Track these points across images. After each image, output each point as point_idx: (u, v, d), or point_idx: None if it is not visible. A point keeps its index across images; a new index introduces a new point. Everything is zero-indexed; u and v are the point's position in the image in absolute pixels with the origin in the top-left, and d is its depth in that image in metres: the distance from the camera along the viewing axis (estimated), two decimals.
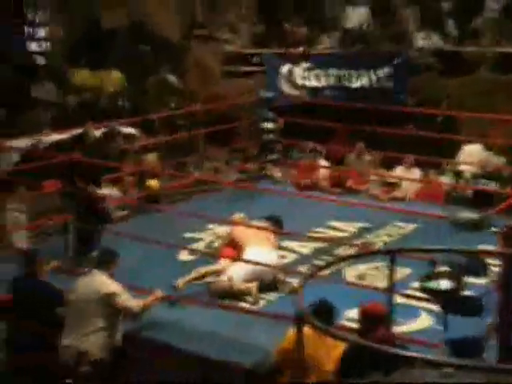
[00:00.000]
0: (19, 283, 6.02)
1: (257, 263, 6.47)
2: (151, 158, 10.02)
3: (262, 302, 6.37)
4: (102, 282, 5.68)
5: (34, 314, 5.80)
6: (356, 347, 3.91)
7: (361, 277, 6.79)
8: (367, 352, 3.47)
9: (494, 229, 5.97)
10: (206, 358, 5.43)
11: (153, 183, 9.26)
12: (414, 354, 3.15)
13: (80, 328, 5.55)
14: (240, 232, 7.03)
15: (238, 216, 7.40)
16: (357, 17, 13.10)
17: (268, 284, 6.60)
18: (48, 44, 13.58)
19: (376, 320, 4.48)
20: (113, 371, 5.60)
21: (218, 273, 6.69)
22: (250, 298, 6.37)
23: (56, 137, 9.85)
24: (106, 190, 8.36)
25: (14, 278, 6.08)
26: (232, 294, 6.40)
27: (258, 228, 7.10)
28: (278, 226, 7.31)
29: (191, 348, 5.54)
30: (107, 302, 5.58)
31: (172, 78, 12.69)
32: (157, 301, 5.93)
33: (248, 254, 6.69)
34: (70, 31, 13.75)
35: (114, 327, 5.66)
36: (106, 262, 5.82)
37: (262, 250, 6.75)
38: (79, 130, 9.62)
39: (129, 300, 5.67)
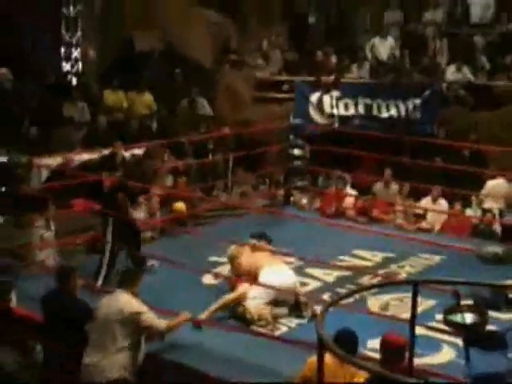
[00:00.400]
0: (53, 299, 6.00)
1: (274, 286, 6.48)
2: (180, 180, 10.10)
3: (283, 328, 6.37)
4: (125, 301, 5.68)
5: (67, 331, 5.82)
6: (378, 378, 3.89)
7: (384, 307, 6.77)
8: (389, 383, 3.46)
9: None
10: (227, 381, 5.43)
11: (180, 206, 9.33)
12: None
13: (103, 347, 5.55)
14: (248, 258, 7.02)
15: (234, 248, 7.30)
16: (384, 48, 13.14)
17: (292, 306, 6.61)
18: (81, 64, 13.84)
19: (397, 351, 4.47)
20: None
21: (240, 299, 6.67)
22: (266, 325, 6.38)
23: (86, 156, 9.96)
24: (134, 211, 8.44)
25: (47, 294, 6.01)
26: (249, 322, 6.42)
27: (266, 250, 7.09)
28: (265, 241, 7.28)
29: (212, 371, 5.55)
30: (131, 320, 5.57)
31: (203, 102, 12.80)
32: (183, 322, 5.94)
33: (264, 274, 6.69)
34: (103, 52, 13.98)
35: (137, 347, 5.66)
36: (130, 280, 5.84)
37: (278, 269, 6.76)
38: (108, 151, 9.75)
39: (154, 319, 5.69)
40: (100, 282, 7.17)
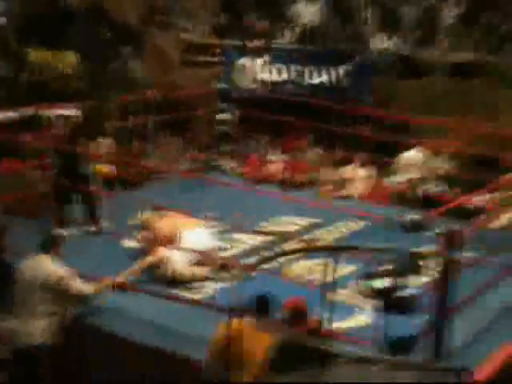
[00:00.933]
0: None
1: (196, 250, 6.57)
2: (107, 142, 9.92)
3: (205, 292, 6.39)
4: (49, 265, 5.62)
5: None
6: (285, 340, 3.93)
7: (307, 272, 6.84)
8: (295, 347, 3.52)
9: (436, 230, 6.09)
10: (149, 346, 5.43)
11: (100, 168, 9.18)
12: (341, 350, 3.19)
13: (26, 311, 5.49)
14: (168, 222, 7.01)
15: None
16: (312, 13, 13.14)
17: (214, 270, 6.65)
18: (2, 19, 13.34)
19: (298, 314, 4.49)
20: (58, 356, 5.54)
21: (159, 262, 6.65)
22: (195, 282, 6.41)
23: (7, 115, 9.69)
24: None
25: None
26: (179, 281, 6.43)
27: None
28: None
29: (135, 336, 5.54)
30: (55, 285, 5.53)
31: (134, 66, 12.57)
32: (106, 287, 5.90)
33: (185, 238, 6.71)
34: (24, 6, 13.50)
35: (61, 312, 5.62)
36: (53, 244, 5.76)
37: (198, 232, 6.81)
38: (30, 111, 9.51)
39: (77, 284, 5.63)
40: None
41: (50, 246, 5.75)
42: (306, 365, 3.67)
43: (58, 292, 5.55)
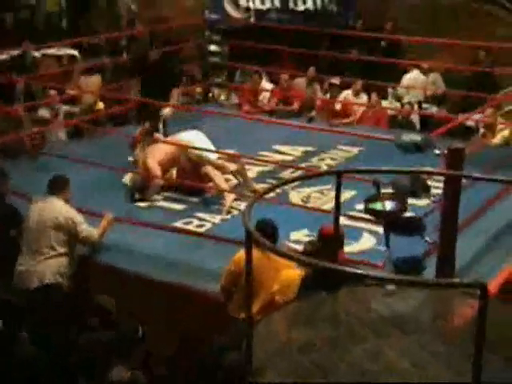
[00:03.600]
0: None
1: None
2: (94, 79, 9.78)
3: (207, 225, 6.40)
4: (60, 207, 5.63)
5: None
6: (315, 270, 3.93)
7: (305, 200, 6.86)
8: (324, 274, 3.52)
9: (436, 151, 6.07)
10: (157, 280, 5.47)
11: (98, 105, 9.10)
12: (364, 272, 3.20)
13: (37, 253, 5.51)
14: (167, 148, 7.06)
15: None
16: None
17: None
18: None
19: (337, 240, 4.50)
20: (69, 296, 5.58)
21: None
22: None
23: None
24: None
25: None
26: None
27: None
28: None
29: (142, 271, 5.57)
30: (66, 227, 5.55)
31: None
32: (109, 224, 5.90)
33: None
34: None
35: (72, 253, 5.64)
36: (60, 187, 5.74)
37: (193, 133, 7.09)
38: (17, 51, 9.35)
39: (88, 229, 5.66)
40: None
41: (58, 188, 5.72)
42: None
43: (68, 233, 5.57)
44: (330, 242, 4.38)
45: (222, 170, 6.87)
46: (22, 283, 5.48)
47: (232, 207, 6.60)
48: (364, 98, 9.87)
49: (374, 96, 9.80)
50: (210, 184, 6.81)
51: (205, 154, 6.86)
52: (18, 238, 5.72)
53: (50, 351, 4.63)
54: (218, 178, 6.79)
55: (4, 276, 5.52)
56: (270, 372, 3.34)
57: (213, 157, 6.89)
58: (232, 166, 6.94)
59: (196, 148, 6.88)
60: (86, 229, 5.65)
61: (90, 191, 6.74)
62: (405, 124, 9.52)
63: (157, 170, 6.83)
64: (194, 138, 7.05)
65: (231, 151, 7.39)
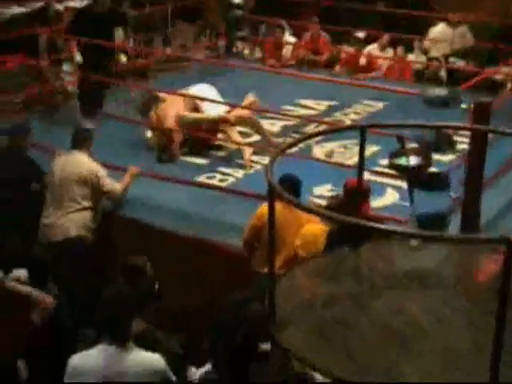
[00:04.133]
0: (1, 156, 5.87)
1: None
2: (119, 32, 9.72)
3: (230, 179, 6.39)
4: (84, 162, 5.63)
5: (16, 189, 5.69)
6: (343, 227, 3.90)
7: (328, 155, 6.81)
8: (348, 229, 3.50)
9: (463, 105, 5.98)
10: (180, 235, 5.48)
11: (121, 58, 9.05)
12: (389, 227, 3.18)
13: (61, 207, 5.53)
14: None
15: None
16: None
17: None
18: None
19: (363, 195, 4.48)
20: (94, 250, 5.62)
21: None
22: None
23: (17, 9, 9.48)
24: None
25: None
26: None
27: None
28: None
29: (166, 225, 5.59)
30: (90, 182, 5.56)
31: None
32: (133, 178, 5.90)
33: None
34: None
35: (95, 207, 5.66)
36: (83, 141, 5.74)
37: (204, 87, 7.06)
38: (40, 3, 9.28)
39: (112, 184, 5.66)
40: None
41: (82, 142, 5.73)
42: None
43: (92, 187, 5.58)
44: (355, 195, 4.35)
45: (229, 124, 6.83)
46: (47, 237, 5.51)
47: (254, 161, 6.58)
48: (390, 52, 9.72)
49: (399, 50, 9.65)
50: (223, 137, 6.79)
51: (206, 110, 6.81)
52: (39, 192, 5.74)
53: (73, 305, 4.68)
54: (233, 132, 6.76)
55: (28, 230, 5.56)
56: (293, 327, 3.35)
57: (214, 112, 6.81)
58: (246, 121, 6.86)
59: (200, 98, 6.85)
60: (110, 183, 5.65)
61: (113, 146, 6.74)
62: (431, 78, 9.37)
63: (175, 129, 6.80)
64: (201, 90, 6.99)
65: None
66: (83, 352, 3.55)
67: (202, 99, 6.85)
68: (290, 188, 4.58)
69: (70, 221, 5.49)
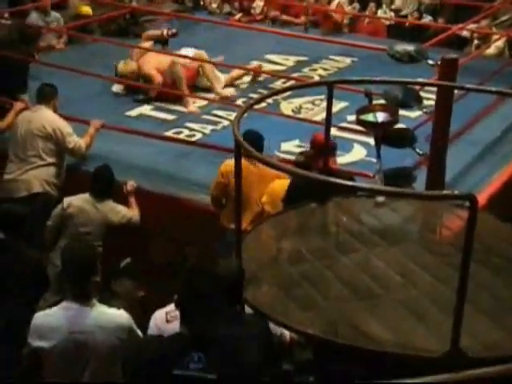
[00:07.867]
0: None
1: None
2: None
3: (198, 135, 6.35)
4: (48, 117, 5.54)
5: None
6: (301, 179, 3.91)
7: (296, 110, 6.80)
8: (310, 182, 3.51)
9: (430, 62, 5.97)
10: (147, 190, 5.45)
11: (86, 9, 8.84)
12: (354, 183, 3.20)
13: (25, 162, 5.45)
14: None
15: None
16: None
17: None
18: None
19: (329, 150, 4.47)
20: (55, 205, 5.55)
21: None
22: None
23: None
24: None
25: None
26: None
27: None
28: None
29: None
30: (54, 138, 5.48)
31: None
32: (97, 131, 5.83)
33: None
34: None
35: (60, 163, 5.59)
36: (49, 96, 5.64)
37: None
38: None
39: (77, 139, 5.57)
40: None
41: (47, 96, 5.64)
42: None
43: (56, 143, 5.50)
44: (322, 150, 4.36)
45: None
46: (9, 192, 5.43)
47: (220, 116, 6.57)
48: (357, 6, 9.67)
49: (371, 5, 9.60)
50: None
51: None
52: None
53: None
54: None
55: None
56: (260, 284, 3.38)
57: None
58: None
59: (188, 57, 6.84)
60: (74, 140, 5.56)
61: (79, 100, 6.65)
62: (399, 35, 9.34)
63: (155, 73, 6.88)
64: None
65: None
66: (46, 311, 3.52)
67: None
68: (252, 144, 4.55)
69: (34, 176, 5.41)
